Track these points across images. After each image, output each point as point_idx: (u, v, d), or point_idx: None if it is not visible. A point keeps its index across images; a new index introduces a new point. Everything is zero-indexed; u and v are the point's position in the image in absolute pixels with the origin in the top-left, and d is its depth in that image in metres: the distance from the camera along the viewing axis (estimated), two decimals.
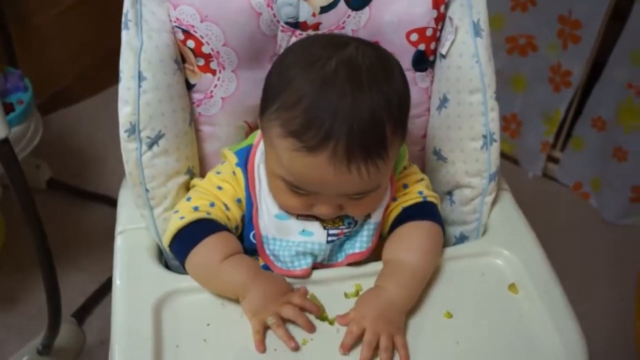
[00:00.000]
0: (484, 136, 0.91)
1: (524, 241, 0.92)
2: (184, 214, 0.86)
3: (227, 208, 0.88)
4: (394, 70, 0.82)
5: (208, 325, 0.81)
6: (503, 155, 2.01)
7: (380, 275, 0.85)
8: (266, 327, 0.80)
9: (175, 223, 0.86)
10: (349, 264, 0.89)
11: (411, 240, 0.87)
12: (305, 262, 0.86)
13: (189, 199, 0.89)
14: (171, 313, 0.82)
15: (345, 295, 0.85)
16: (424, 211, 0.90)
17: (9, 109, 1.37)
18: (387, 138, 0.79)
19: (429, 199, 0.92)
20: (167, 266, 0.91)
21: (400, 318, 0.81)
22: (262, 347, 0.79)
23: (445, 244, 0.93)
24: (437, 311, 0.84)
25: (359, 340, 0.79)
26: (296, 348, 0.79)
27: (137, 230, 0.92)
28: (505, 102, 1.94)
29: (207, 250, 0.84)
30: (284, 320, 0.80)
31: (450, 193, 0.99)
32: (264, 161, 0.87)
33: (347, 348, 0.79)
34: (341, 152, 0.76)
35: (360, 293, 0.85)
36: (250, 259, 0.86)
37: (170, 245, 0.87)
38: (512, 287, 0.87)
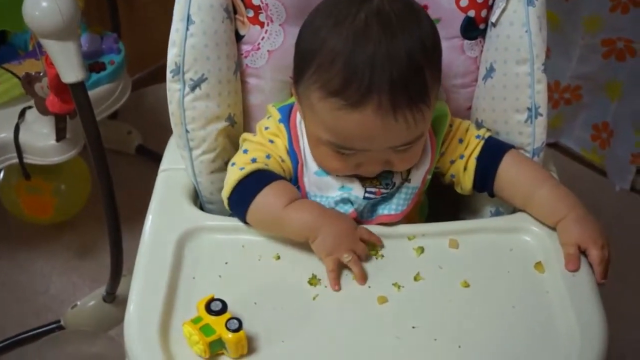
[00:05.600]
0: (529, 109, 0.88)
1: None
2: (243, 165, 0.87)
3: (282, 160, 0.89)
4: (421, 14, 0.82)
5: (226, 263, 0.84)
6: (590, 166, 1.93)
7: (547, 215, 0.86)
8: (340, 265, 0.81)
9: (235, 174, 0.86)
10: (380, 224, 0.88)
11: (523, 175, 0.88)
12: (345, 210, 0.87)
13: (245, 151, 0.90)
14: (193, 248, 0.85)
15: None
16: (495, 148, 0.91)
17: (101, 67, 1.47)
18: (428, 82, 0.79)
19: (486, 135, 0.92)
20: (201, 208, 0.95)
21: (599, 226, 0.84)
22: (337, 285, 0.80)
23: (480, 218, 0.91)
24: (453, 279, 0.82)
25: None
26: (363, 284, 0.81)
27: (177, 170, 0.96)
28: (597, 110, 1.85)
29: (269, 198, 0.84)
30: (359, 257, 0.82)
31: None
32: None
33: (574, 266, 0.82)
34: (386, 103, 0.76)
35: (379, 254, 0.84)
36: (313, 202, 0.87)
37: (230, 197, 0.87)
38: (538, 265, 0.83)
